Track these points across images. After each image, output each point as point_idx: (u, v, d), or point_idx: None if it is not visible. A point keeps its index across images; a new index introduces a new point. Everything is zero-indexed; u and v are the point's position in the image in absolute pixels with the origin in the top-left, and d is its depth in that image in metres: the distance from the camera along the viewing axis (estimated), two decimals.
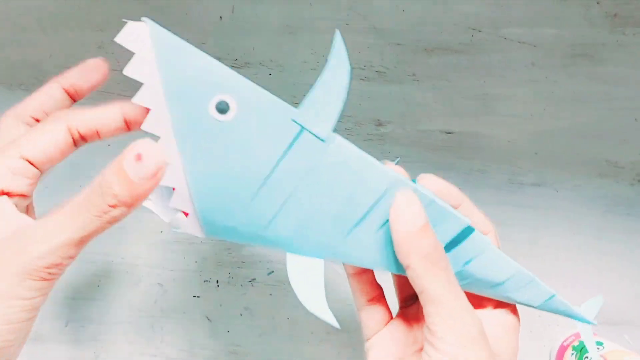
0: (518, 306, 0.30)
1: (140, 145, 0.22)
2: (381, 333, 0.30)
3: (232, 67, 0.51)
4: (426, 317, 0.24)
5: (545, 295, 0.29)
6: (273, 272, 0.49)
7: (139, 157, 0.21)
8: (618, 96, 0.49)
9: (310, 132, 0.24)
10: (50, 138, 0.24)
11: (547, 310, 0.29)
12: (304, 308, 0.26)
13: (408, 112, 0.50)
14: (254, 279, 0.49)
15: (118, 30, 0.24)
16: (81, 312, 0.49)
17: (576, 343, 0.46)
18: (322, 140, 0.24)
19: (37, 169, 0.24)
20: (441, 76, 0.50)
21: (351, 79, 0.24)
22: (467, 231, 0.26)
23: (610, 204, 0.49)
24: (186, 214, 0.25)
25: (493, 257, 0.27)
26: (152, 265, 0.49)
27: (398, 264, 0.26)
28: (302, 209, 0.25)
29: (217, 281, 0.49)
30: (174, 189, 0.24)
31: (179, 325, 0.48)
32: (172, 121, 0.23)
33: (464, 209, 0.28)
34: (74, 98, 0.27)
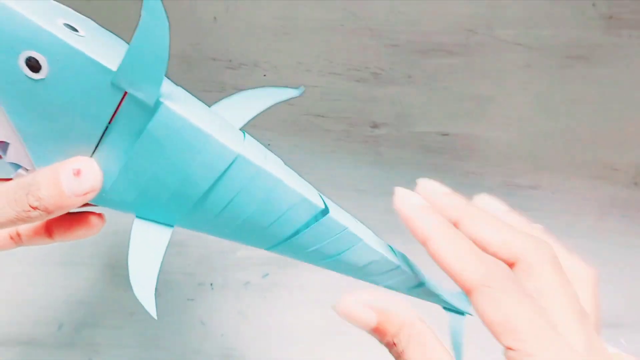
0: None
1: (82, 161, 0.22)
2: None
3: (226, 67, 0.51)
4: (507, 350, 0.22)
5: (412, 283, 0.28)
6: (268, 274, 0.49)
7: (77, 173, 0.21)
8: (614, 98, 0.49)
9: (134, 97, 0.22)
10: None
11: (419, 297, 0.28)
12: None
13: (403, 114, 0.50)
14: (248, 282, 0.49)
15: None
16: (74, 316, 0.48)
17: None
18: (149, 106, 0.22)
19: None
20: (436, 78, 0.49)
21: (168, 34, 0.22)
22: (322, 213, 0.26)
23: (606, 206, 0.49)
24: (26, 170, 0.24)
25: (349, 240, 0.27)
26: None
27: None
28: (140, 177, 0.24)
29: (211, 284, 0.49)
30: (3, 142, 0.23)
31: (172, 329, 0.48)
32: None
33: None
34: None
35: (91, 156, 0.23)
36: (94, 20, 0.25)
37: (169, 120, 0.22)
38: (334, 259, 0.27)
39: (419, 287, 0.28)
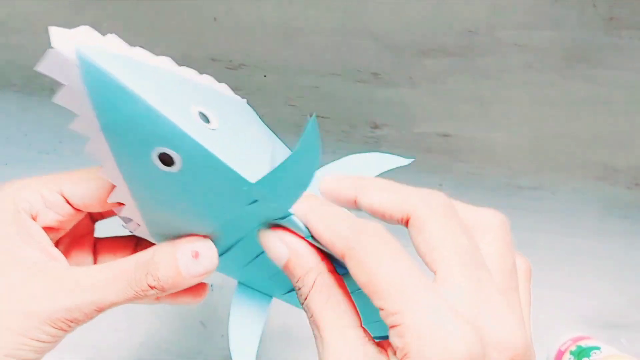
0: None
1: (201, 243, 0.22)
2: None
3: (226, 68, 0.51)
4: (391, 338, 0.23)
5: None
6: None
7: (196, 255, 0.22)
8: (614, 99, 0.49)
9: (264, 205, 0.22)
10: (94, 185, 0.24)
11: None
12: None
13: (404, 115, 0.50)
14: None
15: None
16: None
17: (573, 348, 0.46)
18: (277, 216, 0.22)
19: (74, 208, 0.24)
20: (437, 79, 0.49)
21: (317, 167, 0.21)
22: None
23: (607, 207, 0.49)
24: (138, 225, 0.24)
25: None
26: None
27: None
28: (246, 259, 0.25)
29: (211, 285, 0.49)
30: (123, 204, 0.24)
31: (173, 331, 0.48)
32: (116, 162, 0.21)
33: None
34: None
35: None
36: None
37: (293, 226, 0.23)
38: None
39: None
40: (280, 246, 0.22)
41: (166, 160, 0.20)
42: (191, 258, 0.22)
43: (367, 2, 0.49)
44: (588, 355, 0.44)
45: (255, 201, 0.21)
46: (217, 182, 0.21)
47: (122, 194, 0.23)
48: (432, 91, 0.50)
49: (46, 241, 0.24)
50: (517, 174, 0.49)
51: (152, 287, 0.22)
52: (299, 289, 0.22)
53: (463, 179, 0.49)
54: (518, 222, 0.48)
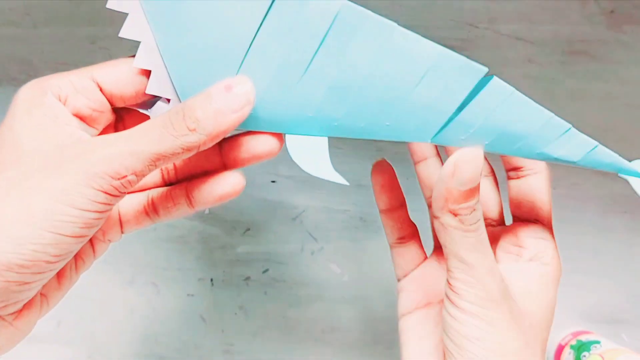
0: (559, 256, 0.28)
1: (230, 79, 0.21)
2: (412, 274, 0.29)
3: None
4: (448, 270, 0.23)
5: (587, 147, 0.25)
6: (268, 270, 0.48)
7: (228, 88, 0.21)
8: (615, 94, 0.49)
9: None
10: (127, 70, 0.23)
11: (589, 166, 0.25)
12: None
13: None
14: (249, 277, 0.48)
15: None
16: (74, 312, 0.48)
17: (574, 342, 0.45)
18: None
19: (106, 98, 0.23)
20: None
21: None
22: (485, 80, 0.23)
23: (609, 203, 0.49)
24: (168, 100, 0.23)
25: (519, 105, 0.24)
26: (145, 263, 0.49)
27: (413, 132, 0.23)
28: (294, 77, 0.23)
29: (212, 280, 0.48)
30: (149, 72, 0.23)
31: (173, 325, 0.48)
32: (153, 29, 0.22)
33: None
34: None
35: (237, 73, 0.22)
36: None
37: (326, 4, 0.22)
38: (504, 133, 0.24)
39: (593, 150, 0.25)
40: (479, 170, 0.22)
41: None
42: (225, 92, 0.21)
43: None
44: (588, 350, 0.44)
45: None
46: None
47: (149, 50, 0.22)
48: None
49: (75, 123, 0.22)
50: None
51: (192, 130, 0.20)
52: (457, 215, 0.22)
53: None
54: None
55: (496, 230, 0.29)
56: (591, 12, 0.48)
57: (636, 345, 0.47)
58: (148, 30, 0.22)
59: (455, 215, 0.22)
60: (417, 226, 0.31)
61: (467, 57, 0.23)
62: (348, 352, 0.47)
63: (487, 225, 0.29)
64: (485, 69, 0.23)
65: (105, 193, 0.20)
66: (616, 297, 0.48)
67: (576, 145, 0.25)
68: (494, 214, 0.29)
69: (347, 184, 0.23)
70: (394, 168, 0.29)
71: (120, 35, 0.23)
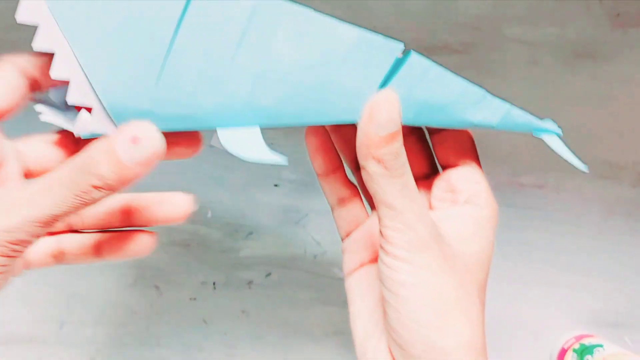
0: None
1: (138, 126, 0.20)
2: (354, 234, 0.29)
3: None
4: (379, 220, 0.23)
5: (502, 110, 0.26)
6: (270, 274, 0.48)
7: (135, 140, 0.19)
8: (620, 96, 0.48)
9: None
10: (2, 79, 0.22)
11: (507, 129, 0.27)
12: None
13: None
14: (251, 281, 0.48)
15: None
16: (76, 314, 0.48)
17: (577, 346, 0.45)
18: None
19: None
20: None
21: None
22: (404, 57, 0.24)
23: (612, 206, 0.49)
24: (89, 110, 0.22)
25: (437, 77, 0.25)
26: (147, 266, 0.49)
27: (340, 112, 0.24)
28: (220, 72, 0.22)
29: (214, 283, 0.48)
30: (67, 82, 0.22)
31: (175, 328, 0.48)
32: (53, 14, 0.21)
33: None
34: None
35: (161, 73, 0.22)
36: None
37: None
38: (426, 105, 0.25)
39: (509, 113, 0.26)
40: (399, 113, 0.22)
41: None
42: (131, 144, 0.19)
43: None
44: (591, 353, 0.44)
45: None
46: None
47: (66, 60, 0.21)
48: None
49: None
50: (521, 171, 0.49)
51: (96, 188, 0.20)
52: (382, 161, 0.22)
53: None
54: (521, 220, 0.48)
55: (429, 180, 0.28)
56: (596, 15, 0.48)
57: (639, 348, 0.47)
58: (62, 39, 0.21)
59: (380, 161, 0.22)
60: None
61: (387, 36, 0.24)
62: (350, 356, 0.47)
63: (420, 177, 0.28)
64: (400, 46, 0.24)
65: (4, 256, 0.20)
66: (619, 300, 0.48)
67: (492, 109, 0.26)
68: (425, 167, 0.29)
69: (286, 164, 0.23)
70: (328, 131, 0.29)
71: (33, 47, 0.22)
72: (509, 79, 0.49)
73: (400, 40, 0.24)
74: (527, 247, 0.49)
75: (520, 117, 0.27)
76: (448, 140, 0.28)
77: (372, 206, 0.30)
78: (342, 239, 0.29)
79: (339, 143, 0.29)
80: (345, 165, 0.29)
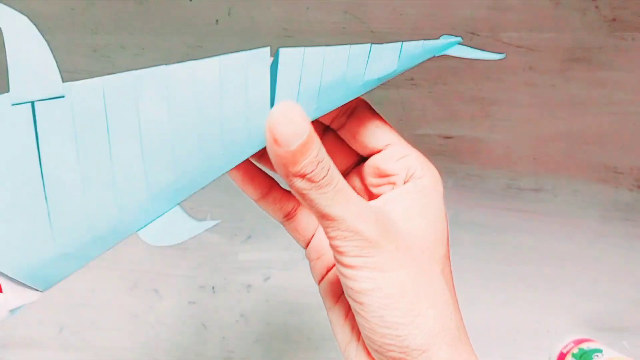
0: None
1: None
2: (312, 242, 0.28)
3: None
4: (325, 234, 0.22)
5: (395, 52, 0.24)
6: (269, 278, 0.48)
7: None
8: (616, 101, 0.49)
9: (42, 100, 0.19)
10: None
11: (410, 66, 0.25)
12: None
13: (405, 117, 0.50)
14: (250, 285, 0.48)
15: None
16: (75, 318, 0.48)
17: (575, 351, 0.45)
18: (61, 96, 0.19)
19: None
20: (439, 80, 0.49)
21: (33, 24, 0.19)
22: (275, 58, 0.22)
23: (609, 210, 0.49)
24: (0, 290, 0.20)
25: (316, 59, 0.23)
26: (147, 270, 0.49)
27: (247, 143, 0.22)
28: (105, 176, 0.20)
29: (213, 287, 0.48)
30: None
31: (174, 332, 0.48)
32: None
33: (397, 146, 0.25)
34: None
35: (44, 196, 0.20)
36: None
37: (90, 90, 0.20)
38: (323, 89, 0.23)
39: (402, 52, 0.25)
40: (305, 122, 0.20)
41: None
42: None
43: (368, 2, 0.49)
44: (590, 358, 0.44)
45: (33, 108, 0.19)
46: None
47: None
48: (433, 93, 0.49)
49: None
50: (519, 176, 0.49)
51: None
52: (305, 175, 0.21)
53: (464, 181, 0.49)
54: (520, 224, 0.48)
55: (357, 171, 0.27)
56: (592, 20, 0.48)
57: (638, 353, 0.46)
58: None
59: (302, 176, 0.21)
60: None
61: (250, 49, 0.22)
62: None
63: (349, 168, 0.27)
64: (266, 49, 0.22)
65: None
66: (618, 305, 0.48)
67: (386, 56, 0.24)
68: (351, 157, 0.28)
69: (218, 221, 0.22)
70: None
71: None
72: (505, 84, 0.49)
73: (264, 46, 0.22)
74: (524, 251, 0.49)
75: (415, 47, 0.25)
76: (354, 130, 0.26)
77: None
78: (304, 248, 0.29)
79: (260, 161, 0.27)
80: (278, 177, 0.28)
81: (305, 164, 0.20)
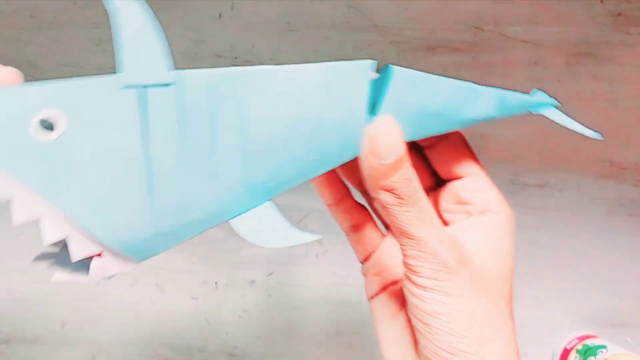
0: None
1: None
2: (373, 257, 0.28)
3: (232, 65, 0.51)
4: (400, 250, 0.22)
5: (494, 97, 0.25)
6: (272, 273, 0.48)
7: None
8: (622, 96, 0.48)
9: (150, 86, 0.20)
10: None
11: (506, 115, 0.26)
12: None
13: None
14: (253, 280, 0.48)
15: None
16: (78, 314, 0.48)
17: (580, 347, 0.45)
18: (168, 84, 0.20)
19: None
20: (443, 74, 0.49)
21: (147, 6, 0.20)
22: (385, 73, 0.23)
23: (614, 205, 0.48)
24: (99, 255, 0.21)
25: (426, 84, 0.24)
26: (149, 265, 0.48)
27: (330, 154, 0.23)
28: (206, 165, 0.21)
29: (216, 282, 0.48)
30: (63, 240, 0.21)
31: (176, 327, 0.48)
32: (7, 172, 0.19)
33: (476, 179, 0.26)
34: None
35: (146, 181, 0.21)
36: None
37: (197, 82, 0.21)
38: (423, 115, 0.24)
39: (502, 98, 0.25)
40: (401, 141, 0.21)
41: (47, 126, 0.19)
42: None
43: None
44: (594, 354, 0.44)
45: (143, 93, 0.20)
46: (99, 111, 0.20)
47: (53, 222, 0.20)
48: None
49: None
50: (523, 171, 0.49)
51: None
52: (393, 190, 0.21)
53: None
54: (524, 220, 0.48)
55: (435, 194, 0.28)
56: (598, 15, 0.48)
57: None
58: (42, 202, 0.20)
59: (391, 191, 0.21)
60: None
61: (353, 60, 0.23)
62: (352, 356, 0.47)
63: (426, 191, 0.28)
64: (369, 61, 0.22)
65: None
66: (622, 300, 0.48)
67: (486, 100, 0.25)
68: (428, 180, 0.28)
69: (319, 237, 0.22)
70: None
71: (15, 224, 0.20)
72: (510, 79, 0.49)
73: (372, 58, 0.23)
74: (529, 247, 0.48)
75: (513, 99, 0.25)
76: (443, 152, 0.27)
77: (387, 227, 0.29)
78: (361, 263, 0.29)
79: (342, 171, 0.28)
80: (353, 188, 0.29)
81: (395, 180, 0.21)
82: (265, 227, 0.23)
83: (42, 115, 0.19)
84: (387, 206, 0.22)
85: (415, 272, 0.22)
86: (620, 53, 0.48)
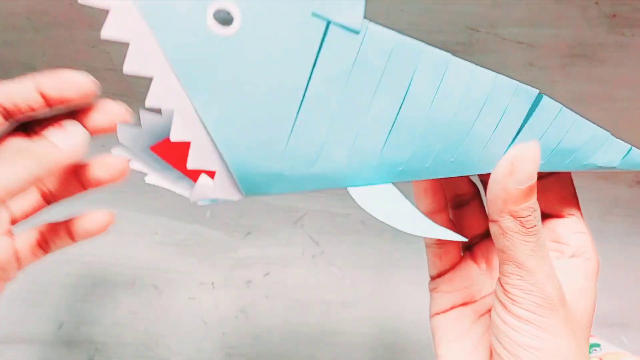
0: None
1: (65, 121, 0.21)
2: (449, 274, 0.28)
3: None
4: (502, 276, 0.22)
5: (623, 151, 0.25)
6: (269, 273, 0.48)
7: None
8: (617, 97, 0.49)
9: (339, 25, 0.19)
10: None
11: (627, 169, 0.26)
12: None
13: None
14: (250, 280, 0.48)
15: None
16: (75, 314, 0.48)
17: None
18: (356, 31, 0.19)
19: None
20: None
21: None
22: (538, 99, 0.23)
23: (609, 206, 0.49)
24: (212, 174, 0.20)
25: (568, 121, 0.23)
26: (146, 266, 0.49)
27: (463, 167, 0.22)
28: (353, 124, 0.20)
29: (213, 283, 0.48)
30: (187, 144, 0.20)
31: (173, 328, 0.48)
32: (164, 51, 0.19)
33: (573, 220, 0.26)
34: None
35: (295, 123, 0.20)
36: None
37: (380, 40, 0.20)
38: (557, 150, 0.23)
39: (629, 154, 0.25)
40: (538, 165, 0.21)
41: (223, 18, 0.19)
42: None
43: None
44: (588, 353, 0.44)
45: (328, 27, 0.19)
46: (281, 22, 0.19)
47: (186, 119, 0.19)
48: None
49: None
50: None
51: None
52: (518, 217, 0.21)
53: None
54: None
55: None
56: (592, 16, 0.48)
57: (636, 348, 0.47)
58: (182, 95, 0.19)
59: (516, 217, 0.21)
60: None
61: (520, 82, 0.23)
62: (349, 356, 0.47)
63: None
64: (536, 92, 0.23)
65: None
66: (616, 300, 0.48)
67: (615, 151, 0.25)
68: None
69: (466, 239, 0.22)
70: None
71: (147, 105, 0.19)
72: None
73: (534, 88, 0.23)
74: None
75: (639, 156, 0.26)
76: (551, 188, 0.26)
77: (464, 248, 0.29)
78: (433, 278, 0.29)
79: (443, 181, 0.28)
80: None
81: (524, 207, 0.21)
82: (394, 209, 0.22)
83: (217, 5, 0.18)
84: (508, 232, 0.22)
85: (515, 301, 0.22)
86: (615, 54, 0.48)
